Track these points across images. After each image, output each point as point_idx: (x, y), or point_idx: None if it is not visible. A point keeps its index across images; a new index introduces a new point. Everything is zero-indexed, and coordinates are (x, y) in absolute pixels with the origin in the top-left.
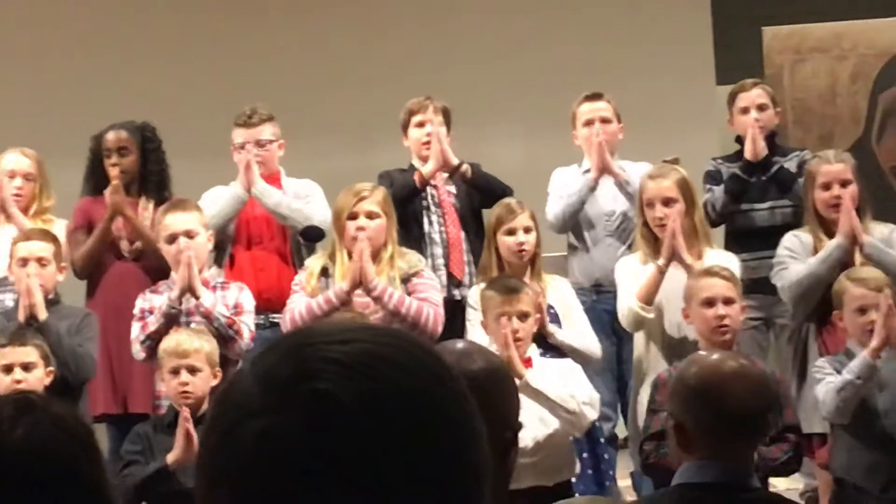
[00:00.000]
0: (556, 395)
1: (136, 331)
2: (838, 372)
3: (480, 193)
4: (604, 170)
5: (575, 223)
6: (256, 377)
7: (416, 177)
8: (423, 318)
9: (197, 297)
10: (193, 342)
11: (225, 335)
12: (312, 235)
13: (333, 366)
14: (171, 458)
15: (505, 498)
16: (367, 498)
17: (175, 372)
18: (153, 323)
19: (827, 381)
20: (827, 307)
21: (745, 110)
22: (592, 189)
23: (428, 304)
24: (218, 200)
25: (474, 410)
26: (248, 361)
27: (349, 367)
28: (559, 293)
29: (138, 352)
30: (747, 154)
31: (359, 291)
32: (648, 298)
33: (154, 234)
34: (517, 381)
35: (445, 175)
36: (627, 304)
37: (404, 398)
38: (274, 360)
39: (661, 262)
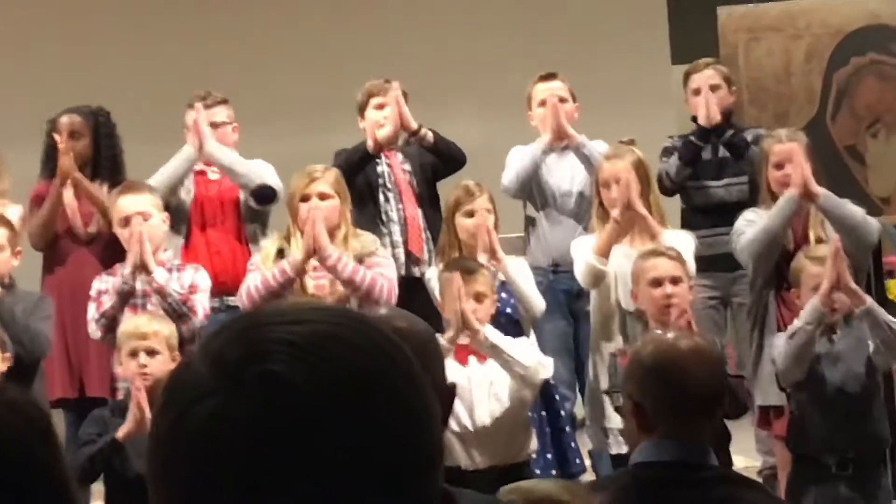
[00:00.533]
0: (511, 349)
1: (91, 311)
2: None
3: (440, 158)
4: (559, 132)
5: (531, 199)
6: (207, 359)
7: (370, 142)
8: (378, 290)
9: (149, 273)
10: (152, 325)
11: (178, 312)
12: (265, 195)
13: (285, 346)
14: (122, 431)
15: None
16: (319, 479)
17: (134, 354)
18: (107, 301)
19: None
20: (784, 281)
21: (698, 91)
22: (546, 152)
23: (382, 276)
24: (168, 162)
25: (428, 390)
26: (199, 344)
27: (301, 348)
28: (517, 272)
29: (94, 331)
30: (701, 119)
31: (317, 273)
32: (605, 251)
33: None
34: (477, 337)
35: (400, 158)
36: (584, 259)
37: (357, 379)
38: (225, 341)
39: (615, 212)
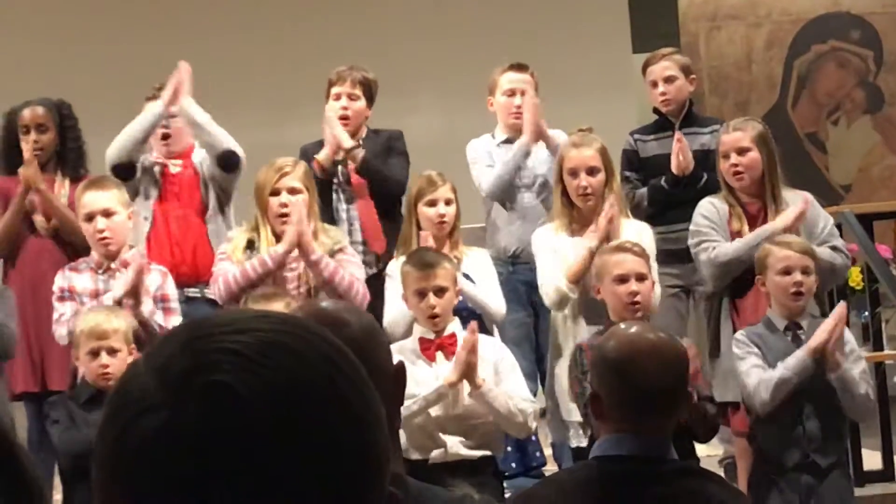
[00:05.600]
0: (507, 409)
1: (57, 312)
2: (757, 346)
3: (369, 181)
4: (538, 135)
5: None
6: (153, 371)
7: (315, 166)
8: (353, 293)
9: (139, 305)
10: (111, 322)
11: (151, 341)
12: (231, 162)
13: (230, 356)
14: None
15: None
16: (265, 491)
17: (94, 353)
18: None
19: (758, 371)
20: (741, 282)
21: (655, 84)
22: (527, 154)
23: (355, 277)
24: (135, 120)
25: (374, 397)
26: (145, 353)
27: (247, 358)
28: (477, 263)
29: (62, 336)
30: (673, 169)
31: (288, 265)
32: (578, 279)
33: (70, 212)
34: (475, 389)
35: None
36: (554, 284)
37: (303, 387)
38: (170, 352)
39: (593, 244)
